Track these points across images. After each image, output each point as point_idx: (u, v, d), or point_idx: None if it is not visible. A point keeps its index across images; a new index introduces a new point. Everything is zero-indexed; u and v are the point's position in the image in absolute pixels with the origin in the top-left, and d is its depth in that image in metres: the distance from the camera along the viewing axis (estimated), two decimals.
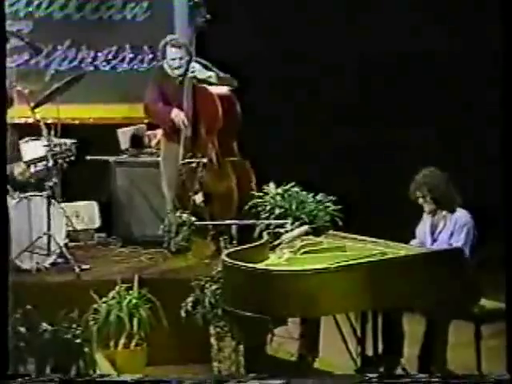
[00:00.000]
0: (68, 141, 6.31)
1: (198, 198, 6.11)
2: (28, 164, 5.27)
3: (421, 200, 5.18)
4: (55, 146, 5.82)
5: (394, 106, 6.98)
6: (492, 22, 4.75)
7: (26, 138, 6.18)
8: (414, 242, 5.24)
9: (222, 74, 6.15)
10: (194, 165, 6.10)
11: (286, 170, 6.16)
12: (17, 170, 5.23)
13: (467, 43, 6.86)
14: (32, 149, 6.01)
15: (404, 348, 5.08)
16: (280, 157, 6.79)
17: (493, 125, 4.78)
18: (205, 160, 6.09)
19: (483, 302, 4.97)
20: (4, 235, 4.54)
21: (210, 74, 6.14)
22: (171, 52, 6.17)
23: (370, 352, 4.95)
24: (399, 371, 5.06)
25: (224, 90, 6.17)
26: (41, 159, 5.47)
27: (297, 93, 7.04)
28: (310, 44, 6.94)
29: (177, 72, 6.18)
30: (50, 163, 5.78)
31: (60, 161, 5.44)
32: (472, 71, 6.79)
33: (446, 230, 5.17)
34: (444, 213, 5.18)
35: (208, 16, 6.10)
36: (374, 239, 4.99)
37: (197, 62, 6.17)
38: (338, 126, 6.99)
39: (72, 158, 5.43)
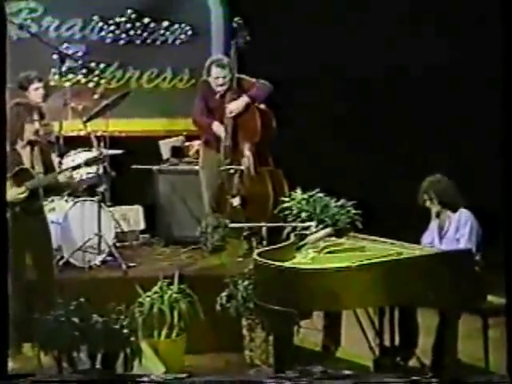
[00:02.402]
0: (113, 151, 6.36)
1: (235, 202, 6.12)
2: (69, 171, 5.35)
3: (428, 203, 5.16)
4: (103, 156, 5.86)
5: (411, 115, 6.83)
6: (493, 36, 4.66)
7: (79, 149, 6.25)
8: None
9: (254, 89, 6.11)
10: (232, 171, 6.13)
11: (312, 177, 6.14)
12: (62, 176, 5.30)
13: (467, 48, 6.61)
14: (83, 159, 6.06)
15: (419, 339, 5.05)
16: (306, 165, 6.75)
17: (493, 128, 4.70)
18: (242, 167, 6.11)
19: (490, 298, 4.95)
20: (4, 236, 4.54)
21: (244, 101, 6.08)
22: (216, 71, 6.15)
23: (387, 343, 4.94)
24: (414, 361, 5.06)
25: (262, 105, 6.18)
26: (77, 167, 5.52)
27: (321, 107, 6.96)
28: (344, 59, 6.78)
29: (220, 89, 6.19)
30: (100, 171, 5.84)
31: (100, 170, 5.51)
32: (472, 75, 6.57)
33: (451, 228, 5.15)
34: (448, 213, 5.17)
35: (248, 37, 6.10)
36: (390, 240, 4.97)
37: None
38: (357, 138, 6.92)
39: (105, 165, 5.47)
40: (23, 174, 5.22)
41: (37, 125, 5.22)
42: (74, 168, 5.43)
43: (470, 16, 6.55)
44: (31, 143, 5.25)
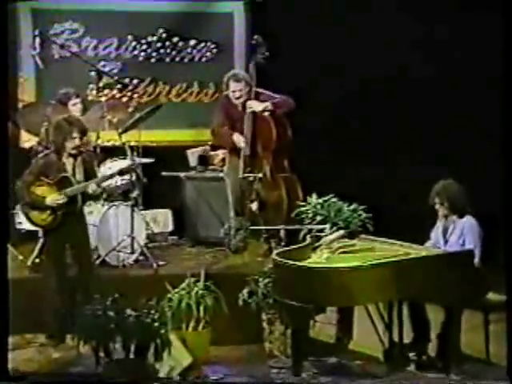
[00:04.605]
0: (145, 160, 6.44)
1: (254, 206, 6.16)
2: (98, 184, 5.46)
3: (438, 205, 5.13)
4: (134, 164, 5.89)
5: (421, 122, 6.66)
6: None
7: (115, 158, 6.31)
8: (428, 244, 5.20)
9: (277, 98, 6.13)
10: (251, 178, 6.18)
11: (326, 183, 6.15)
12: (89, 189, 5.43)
13: (467, 47, 6.46)
14: (119, 166, 6.12)
15: (431, 334, 5.03)
16: (321, 172, 6.75)
17: (493, 128, 4.62)
18: (260, 175, 6.14)
19: (491, 294, 4.96)
20: (4, 235, 4.56)
21: (266, 105, 6.14)
22: (233, 85, 6.21)
23: (395, 335, 4.96)
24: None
25: (279, 115, 6.19)
26: (111, 176, 5.65)
27: (333, 116, 6.84)
28: (352, 62, 6.68)
29: (238, 101, 6.24)
30: (134, 178, 5.91)
31: (133, 177, 5.63)
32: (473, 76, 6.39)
33: (455, 232, 5.11)
34: (454, 217, 5.13)
35: (267, 53, 6.14)
36: (399, 242, 5.01)
37: (255, 92, 6.17)
38: (367, 144, 6.86)
39: (138, 172, 5.52)
40: (64, 182, 5.34)
41: (77, 141, 5.32)
42: (109, 177, 5.55)
43: (471, 16, 6.39)
44: (73, 155, 5.38)
